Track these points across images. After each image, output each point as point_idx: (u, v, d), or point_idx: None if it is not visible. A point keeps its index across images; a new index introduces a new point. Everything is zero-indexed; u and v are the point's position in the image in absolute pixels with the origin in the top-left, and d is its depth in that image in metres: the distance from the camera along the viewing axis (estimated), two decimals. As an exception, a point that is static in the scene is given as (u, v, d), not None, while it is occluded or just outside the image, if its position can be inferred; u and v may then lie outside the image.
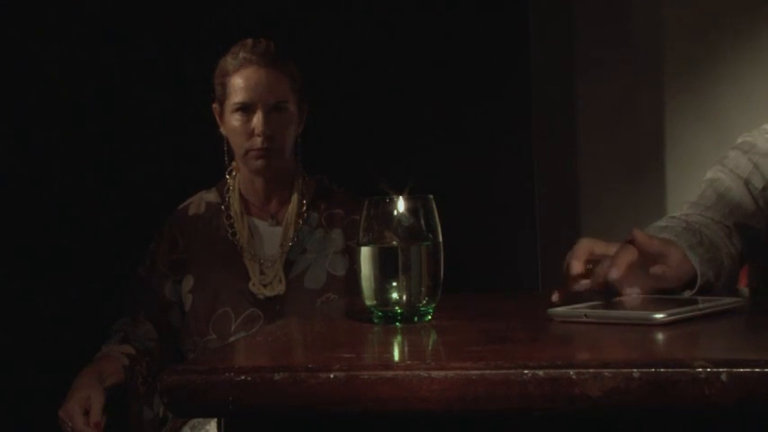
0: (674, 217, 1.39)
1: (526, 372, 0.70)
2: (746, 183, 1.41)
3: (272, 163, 1.86)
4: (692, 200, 1.45)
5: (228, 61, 1.86)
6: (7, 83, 2.41)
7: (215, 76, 1.90)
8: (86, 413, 1.68)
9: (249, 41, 1.86)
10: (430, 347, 0.90)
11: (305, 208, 1.92)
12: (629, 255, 1.08)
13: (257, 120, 1.82)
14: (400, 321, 0.99)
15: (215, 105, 1.92)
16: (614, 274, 1.05)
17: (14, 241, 2.40)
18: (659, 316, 0.89)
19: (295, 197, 1.92)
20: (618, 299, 1.04)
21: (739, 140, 1.48)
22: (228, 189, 1.94)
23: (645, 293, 1.09)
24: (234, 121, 1.85)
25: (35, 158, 2.43)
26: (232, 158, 1.94)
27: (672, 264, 1.13)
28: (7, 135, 2.42)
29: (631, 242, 1.10)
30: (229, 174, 1.95)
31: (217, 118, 1.92)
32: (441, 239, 1.01)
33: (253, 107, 1.83)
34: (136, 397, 1.80)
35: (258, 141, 1.83)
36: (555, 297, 1.08)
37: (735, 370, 0.67)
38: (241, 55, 1.85)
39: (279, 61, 1.85)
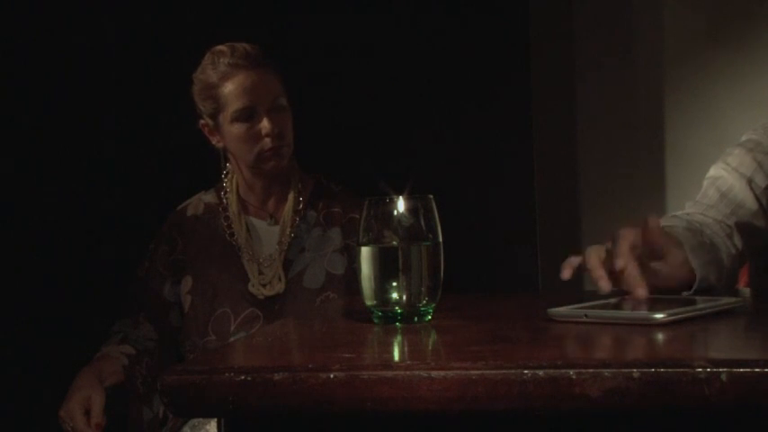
0: (675, 216, 1.38)
1: (526, 372, 0.70)
2: (749, 181, 1.40)
3: (284, 160, 1.85)
4: (695, 198, 1.45)
5: (209, 73, 1.82)
6: (7, 81, 2.41)
7: (196, 93, 1.85)
8: (87, 413, 1.68)
9: (224, 49, 1.82)
10: (430, 347, 0.90)
11: (301, 206, 1.91)
12: (632, 238, 1.07)
13: (263, 121, 1.81)
14: (400, 321, 0.99)
15: (203, 122, 1.88)
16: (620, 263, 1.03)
17: (14, 241, 2.40)
18: (659, 316, 0.89)
19: (292, 195, 1.91)
20: (618, 299, 1.04)
21: (744, 138, 1.47)
22: (226, 191, 1.94)
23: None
24: (236, 129, 1.82)
25: (35, 158, 2.43)
26: (227, 161, 1.93)
27: (671, 263, 1.13)
28: (7, 134, 2.42)
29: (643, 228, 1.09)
30: (225, 176, 1.94)
31: (207, 134, 1.89)
32: (441, 239, 1.01)
33: (254, 110, 1.81)
34: (136, 397, 1.79)
35: (268, 142, 1.81)
36: (566, 274, 1.07)
37: (735, 370, 0.67)
38: (224, 63, 1.81)
39: (265, 60, 1.84)
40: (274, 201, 1.93)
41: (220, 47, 1.84)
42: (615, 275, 1.06)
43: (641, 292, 1.03)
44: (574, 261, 1.10)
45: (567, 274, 1.08)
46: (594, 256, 1.08)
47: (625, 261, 1.05)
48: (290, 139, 1.85)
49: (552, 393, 0.70)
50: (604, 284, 1.04)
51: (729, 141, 1.51)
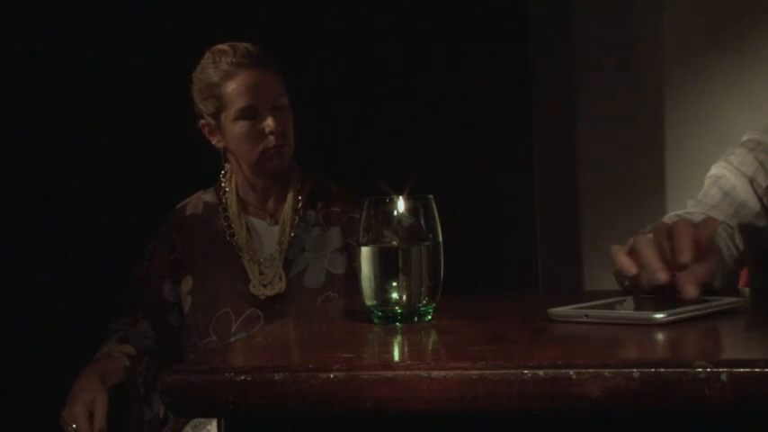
0: (677, 215, 1.38)
1: (526, 372, 0.70)
2: (751, 181, 1.40)
3: (286, 159, 1.85)
4: (697, 197, 1.44)
5: (211, 73, 1.82)
6: (8, 80, 2.41)
7: (196, 92, 1.85)
8: (90, 416, 1.68)
9: (225, 48, 1.82)
10: (430, 347, 0.90)
11: (300, 205, 1.91)
12: (692, 235, 1.03)
13: (267, 120, 1.80)
14: (400, 321, 0.99)
15: (203, 122, 1.87)
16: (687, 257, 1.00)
17: (14, 241, 2.40)
18: (659, 316, 0.89)
19: (291, 195, 1.91)
20: (618, 299, 1.04)
21: (745, 137, 1.47)
22: (224, 191, 1.93)
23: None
24: (239, 127, 1.82)
25: (35, 158, 2.43)
26: (226, 161, 1.93)
27: (707, 267, 1.10)
28: (8, 134, 2.42)
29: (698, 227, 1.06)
30: (223, 176, 1.94)
31: (207, 134, 1.88)
32: (441, 239, 1.01)
33: (257, 109, 1.81)
34: (136, 397, 1.79)
35: (272, 140, 1.81)
36: (633, 269, 1.03)
37: (735, 370, 0.67)
38: (226, 62, 1.80)
39: (267, 60, 1.84)
40: (274, 200, 1.92)
41: (221, 46, 1.83)
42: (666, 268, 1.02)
43: (693, 292, 0.99)
44: (623, 250, 1.06)
45: (633, 269, 1.04)
46: (649, 247, 1.04)
47: (690, 257, 1.01)
48: (291, 138, 1.86)
49: (552, 393, 0.70)
50: (664, 276, 1.01)
51: (730, 141, 1.51)
